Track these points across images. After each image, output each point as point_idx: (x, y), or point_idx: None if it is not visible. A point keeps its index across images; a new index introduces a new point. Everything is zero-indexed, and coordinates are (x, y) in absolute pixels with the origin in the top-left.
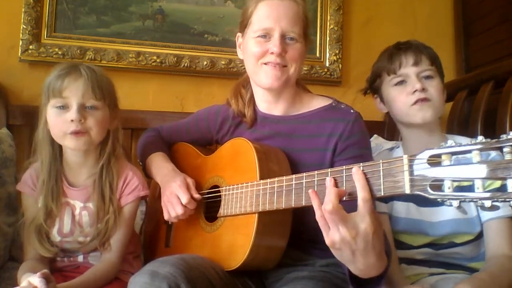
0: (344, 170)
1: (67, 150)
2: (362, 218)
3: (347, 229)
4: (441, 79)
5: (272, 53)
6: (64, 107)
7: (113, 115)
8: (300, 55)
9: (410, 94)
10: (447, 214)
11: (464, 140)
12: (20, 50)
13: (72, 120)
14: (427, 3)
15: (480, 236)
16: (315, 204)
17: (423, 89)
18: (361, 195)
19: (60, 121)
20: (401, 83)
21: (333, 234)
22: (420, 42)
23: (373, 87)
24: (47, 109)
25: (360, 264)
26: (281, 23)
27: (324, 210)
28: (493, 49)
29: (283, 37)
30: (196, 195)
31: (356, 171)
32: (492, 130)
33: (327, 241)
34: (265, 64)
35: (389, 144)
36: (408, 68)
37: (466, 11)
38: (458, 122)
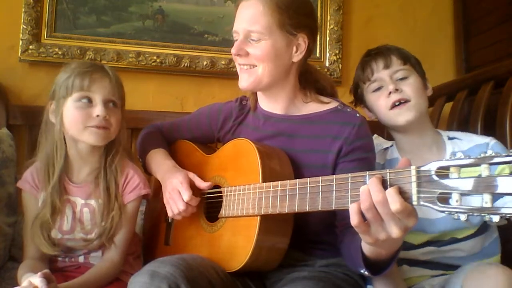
0: (349, 178)
1: (74, 147)
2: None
3: (399, 229)
4: (419, 76)
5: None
6: (88, 101)
7: (122, 115)
8: (266, 53)
9: (386, 97)
10: None
11: (459, 134)
12: (20, 50)
13: (97, 115)
14: (427, 3)
15: (482, 230)
16: (365, 195)
17: (397, 90)
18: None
19: (82, 115)
20: (378, 89)
21: (378, 232)
22: (392, 45)
23: (357, 97)
24: (65, 104)
25: (383, 251)
26: (241, 26)
27: (389, 211)
28: (493, 49)
29: (246, 38)
30: (204, 185)
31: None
32: (492, 130)
33: (368, 236)
34: (236, 65)
35: (389, 143)
36: (380, 72)
37: (466, 11)
38: (458, 122)
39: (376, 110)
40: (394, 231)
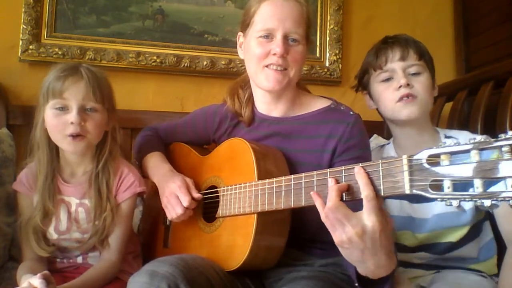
0: (343, 170)
1: (63, 150)
2: (368, 216)
3: (352, 227)
4: (430, 74)
5: (274, 54)
6: (63, 109)
7: (110, 117)
8: (301, 58)
9: (395, 90)
10: (436, 209)
11: (456, 133)
12: (20, 50)
13: (72, 123)
14: (427, 3)
15: (475, 232)
16: (318, 205)
17: (408, 85)
18: (365, 193)
19: (59, 122)
20: (388, 80)
21: (340, 234)
22: (410, 36)
23: (362, 83)
24: (45, 110)
25: (370, 263)
26: (285, 24)
27: (327, 209)
28: (493, 49)
29: (285, 38)
30: (197, 195)
31: (358, 170)
32: (492, 130)
33: (336, 241)
34: (266, 66)
35: (385, 142)
36: (395, 63)
37: (466, 11)
38: (458, 122)
39: (381, 101)
40: (341, 236)
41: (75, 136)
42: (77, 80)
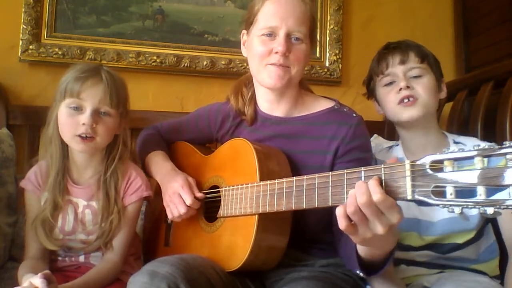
0: (345, 174)
1: (73, 150)
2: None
3: (397, 216)
4: (434, 76)
5: (276, 52)
6: (78, 109)
7: (122, 121)
8: (304, 57)
9: (396, 93)
10: (444, 213)
11: (464, 139)
12: (20, 50)
13: (83, 123)
14: (427, 3)
15: (480, 235)
16: (352, 198)
17: (408, 87)
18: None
19: (71, 121)
20: (390, 84)
21: (375, 225)
22: (412, 41)
23: (369, 90)
24: (59, 107)
25: (385, 248)
26: (288, 22)
27: (369, 202)
28: (493, 49)
29: (288, 36)
30: (199, 194)
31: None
32: (492, 130)
33: (358, 239)
34: (269, 64)
35: (390, 143)
36: (395, 67)
37: (466, 11)
38: (458, 122)
39: (384, 104)
40: (379, 229)
41: (84, 138)
42: (96, 82)
